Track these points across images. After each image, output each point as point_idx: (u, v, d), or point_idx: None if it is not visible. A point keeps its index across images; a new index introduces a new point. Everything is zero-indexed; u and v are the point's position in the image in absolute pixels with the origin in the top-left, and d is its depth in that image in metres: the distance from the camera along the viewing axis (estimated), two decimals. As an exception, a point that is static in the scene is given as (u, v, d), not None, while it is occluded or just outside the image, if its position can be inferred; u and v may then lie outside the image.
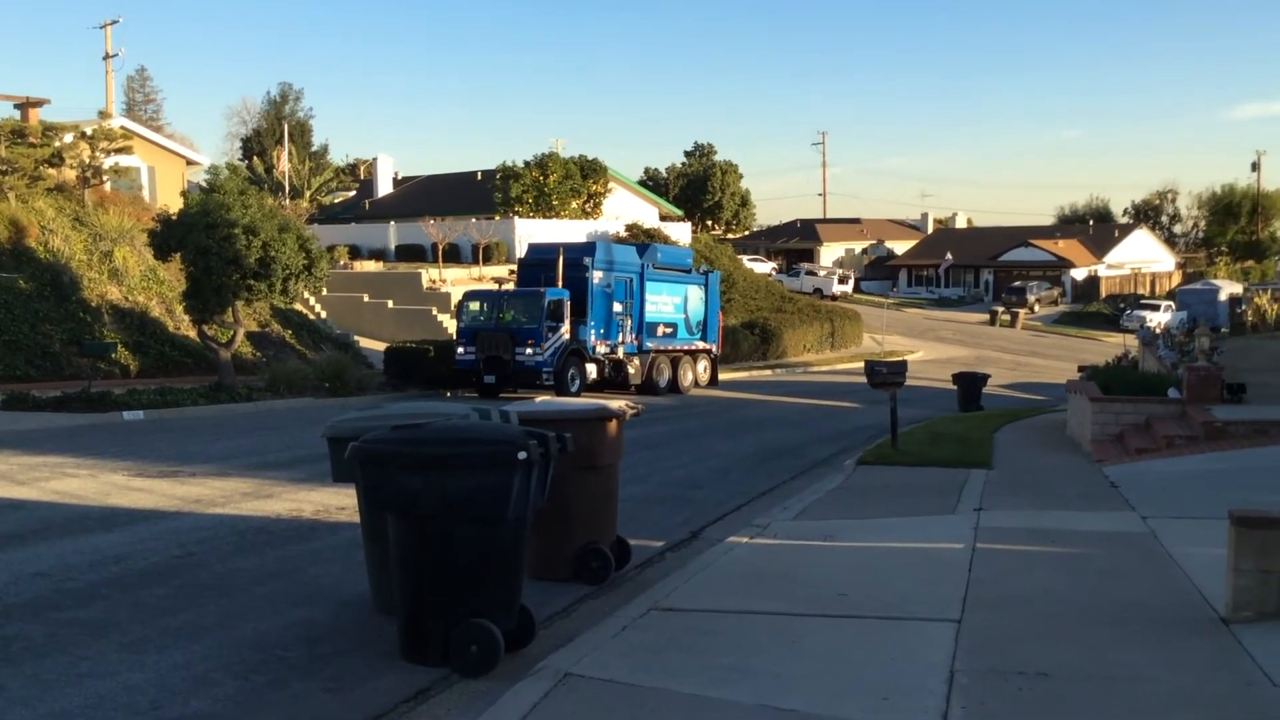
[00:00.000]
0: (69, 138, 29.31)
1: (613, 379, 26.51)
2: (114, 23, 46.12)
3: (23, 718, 4.83)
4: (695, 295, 30.26)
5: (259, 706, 5.08)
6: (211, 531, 8.99)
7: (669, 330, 29.02)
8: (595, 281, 26.49)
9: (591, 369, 26.06)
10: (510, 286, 27.75)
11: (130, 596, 6.89)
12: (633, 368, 26.99)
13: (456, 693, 5.21)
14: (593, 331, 26.22)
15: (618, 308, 27.18)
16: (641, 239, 42.27)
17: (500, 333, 25.03)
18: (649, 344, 27.87)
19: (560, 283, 25.78)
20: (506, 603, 5.60)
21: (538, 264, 27.37)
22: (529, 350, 24.66)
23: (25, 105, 32.37)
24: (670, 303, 29.23)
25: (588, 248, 27.64)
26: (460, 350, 25.64)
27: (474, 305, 26.36)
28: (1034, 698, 4.79)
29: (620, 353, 26.94)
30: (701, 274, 31.04)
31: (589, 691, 4.92)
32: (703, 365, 30.13)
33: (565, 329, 25.25)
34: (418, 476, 5.38)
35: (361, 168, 70.05)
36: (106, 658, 5.66)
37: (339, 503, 10.17)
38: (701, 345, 30.21)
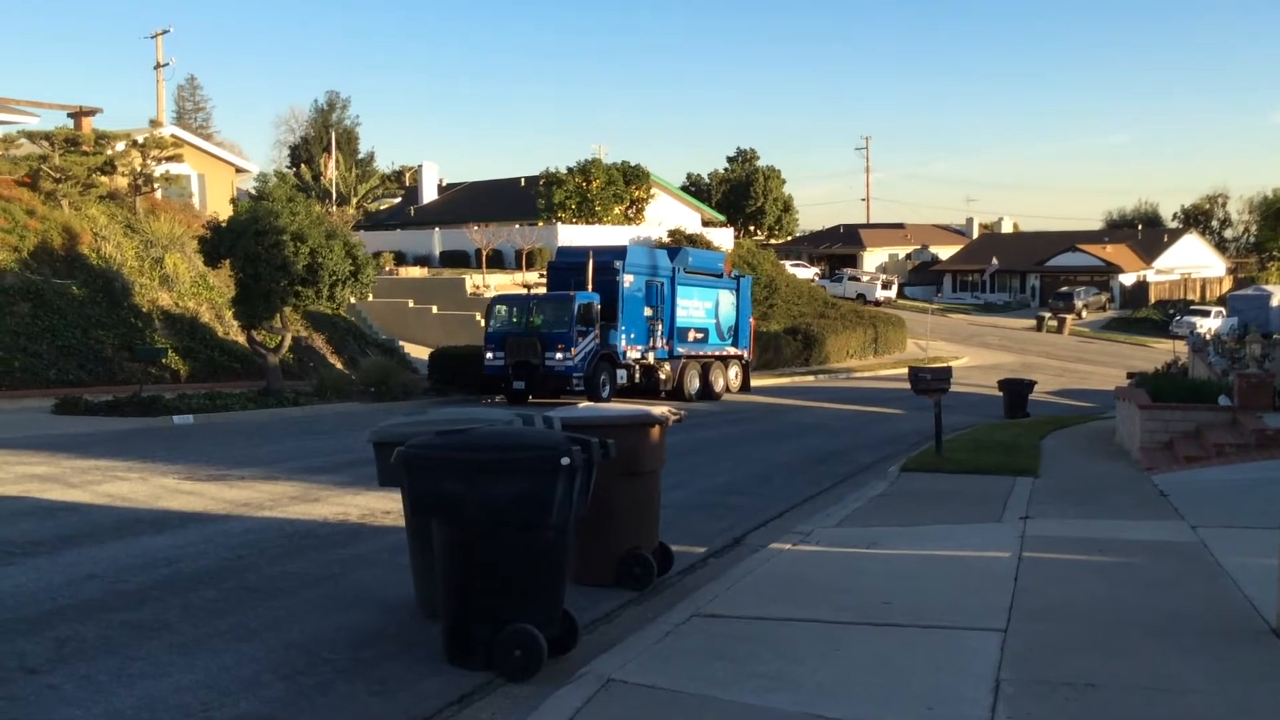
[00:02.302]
0: (121, 146, 29.84)
1: (643, 384, 26.20)
2: (164, 33, 46.97)
3: (76, 718, 4.92)
4: (727, 300, 29.94)
5: (306, 709, 5.14)
6: (260, 535, 9.11)
7: (700, 336, 28.70)
8: (626, 285, 26.09)
9: (622, 374, 25.67)
10: (540, 290, 27.50)
11: (180, 598, 7.00)
12: (663, 373, 26.66)
13: (500, 697, 5.24)
14: (623, 336, 25.82)
15: (648, 312, 26.83)
16: (683, 244, 42.26)
17: (529, 337, 24.58)
18: (680, 349, 27.54)
19: (590, 286, 25.42)
20: (550, 608, 5.63)
21: (567, 268, 26.92)
22: (559, 355, 24.24)
23: (78, 114, 33.01)
24: (701, 308, 28.93)
25: (618, 251, 27.16)
26: (489, 355, 25.24)
27: (502, 309, 25.98)
28: (1081, 709, 4.74)
29: (651, 358, 26.62)
30: (733, 278, 30.65)
31: (631, 697, 4.94)
32: (734, 371, 29.81)
33: (596, 333, 24.87)
34: (462, 481, 5.42)
35: (407, 175, 70.61)
36: (158, 659, 5.75)
37: (384, 506, 10.26)
38: (733, 351, 29.87)
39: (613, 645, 5.79)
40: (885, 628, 6.07)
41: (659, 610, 6.65)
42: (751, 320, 32.13)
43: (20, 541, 8.66)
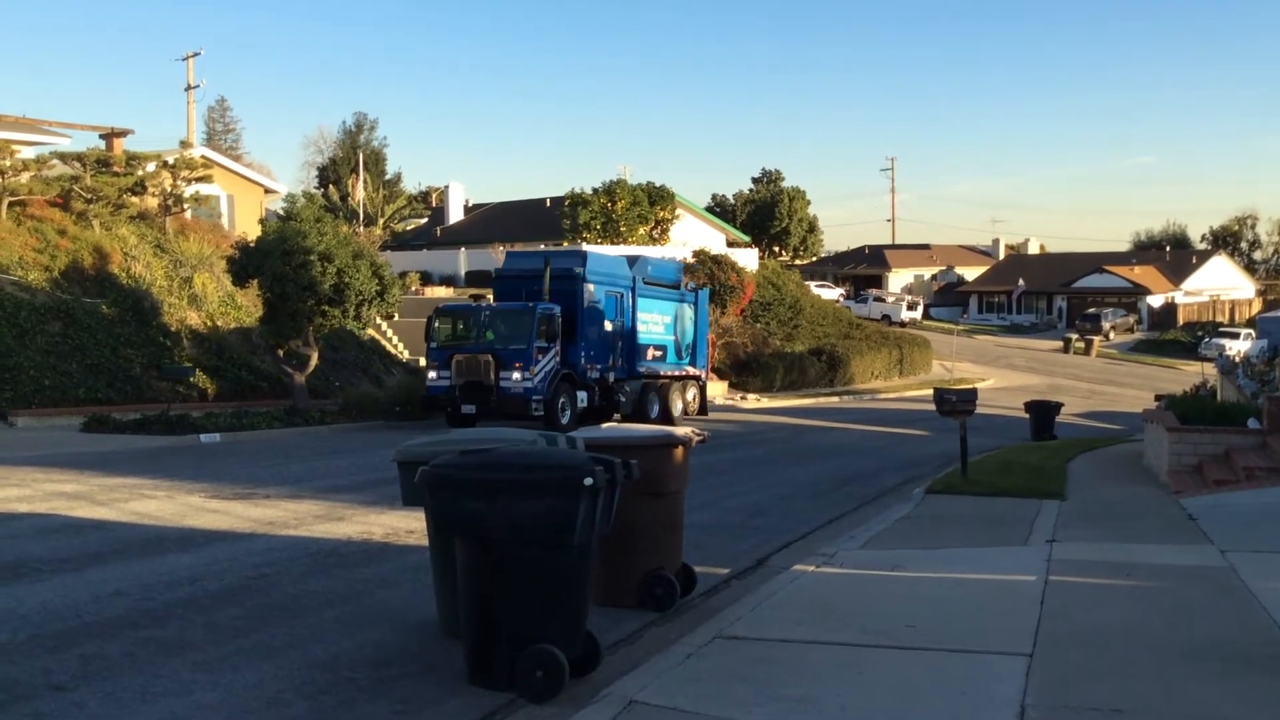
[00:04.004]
0: (151, 167, 30.23)
1: (602, 406, 23.78)
2: (195, 55, 47.57)
3: (101, 734, 4.95)
4: (685, 315, 27.40)
5: (328, 727, 5.15)
6: (284, 553, 9.15)
7: (659, 354, 26.15)
8: (587, 295, 23.34)
9: (583, 396, 23.15)
10: (491, 300, 24.73)
11: (205, 616, 7.03)
12: (623, 395, 24.18)
13: (522, 717, 5.23)
14: (583, 353, 23.19)
15: (608, 326, 24.21)
16: (709, 265, 42.28)
17: (481, 354, 21.86)
18: (640, 368, 25.03)
19: (546, 297, 22.73)
20: (572, 628, 5.62)
21: (519, 275, 24.02)
22: (516, 375, 21.52)
23: (110, 135, 33.45)
24: (661, 322, 26.33)
25: (578, 255, 24.29)
26: (432, 375, 22.57)
27: (448, 322, 23.13)
28: (1107, 735, 4.68)
29: (611, 378, 24.12)
30: (691, 291, 28.23)
31: (654, 719, 4.91)
32: (692, 393, 27.34)
33: (557, 350, 22.27)
34: (485, 501, 5.43)
35: (433, 195, 71.12)
36: (181, 677, 5.78)
37: (408, 526, 10.29)
38: (691, 370, 27.50)
39: (635, 667, 5.77)
40: (909, 651, 6.02)
41: (682, 632, 6.62)
42: (710, 337, 29.73)
43: (48, 559, 8.73)
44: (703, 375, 28.10)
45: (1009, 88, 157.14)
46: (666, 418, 25.03)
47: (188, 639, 6.50)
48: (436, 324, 23.08)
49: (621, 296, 24.74)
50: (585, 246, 43.19)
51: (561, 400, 22.30)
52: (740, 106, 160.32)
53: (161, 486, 13.23)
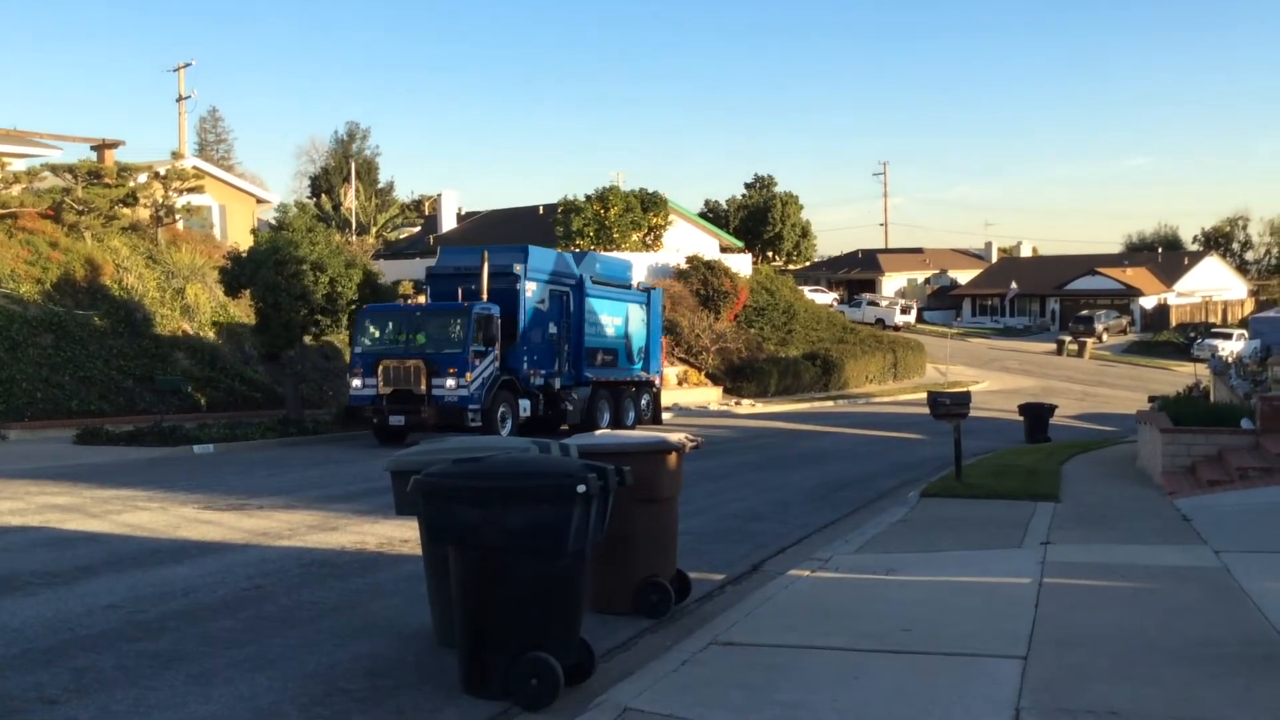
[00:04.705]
0: (143, 178, 30.21)
1: (546, 416, 22.13)
2: (186, 66, 47.52)
3: (94, 747, 4.92)
4: (637, 316, 25.74)
5: (322, 738, 5.13)
6: (278, 564, 9.13)
7: (609, 358, 24.59)
8: (529, 295, 21.74)
9: (525, 404, 21.57)
10: (422, 301, 23.26)
11: (198, 628, 7.01)
12: (570, 403, 22.62)
13: (516, 726, 5.22)
14: (525, 358, 21.67)
15: (552, 328, 22.73)
16: (702, 270, 42.29)
17: (412, 360, 20.29)
18: (588, 374, 23.46)
19: (484, 296, 21.23)
20: (566, 636, 5.61)
21: (454, 274, 22.26)
22: (450, 382, 20.02)
23: (101, 147, 33.45)
24: (611, 324, 24.66)
25: (518, 251, 22.51)
26: (356, 383, 20.87)
27: (374, 325, 21.33)
28: (1103, 737, 4.67)
29: (556, 384, 22.57)
30: (643, 291, 26.72)
31: (648, 727, 4.90)
32: (645, 400, 25.73)
33: (495, 354, 20.82)
34: (478, 510, 5.43)
35: (426, 204, 71.07)
36: (174, 689, 5.76)
37: (402, 535, 10.27)
38: (644, 376, 25.94)
39: (630, 674, 5.76)
40: (905, 655, 6.01)
41: (677, 638, 6.62)
42: (664, 341, 28.30)
43: (40, 572, 8.69)
44: (656, 381, 26.82)
45: (1001, 92, 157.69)
46: (618, 427, 23.56)
47: (181, 651, 6.47)
48: (363, 326, 21.49)
49: (567, 296, 23.30)
50: (573, 253, 43.32)
51: (501, 410, 20.79)
52: (733, 112, 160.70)
53: (155, 498, 13.20)
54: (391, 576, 8.70)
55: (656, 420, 26.13)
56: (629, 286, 26.01)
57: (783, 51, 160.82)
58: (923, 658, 5.96)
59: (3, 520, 11.50)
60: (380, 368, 20.46)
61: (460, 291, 21.34)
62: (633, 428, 23.72)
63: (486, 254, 21.63)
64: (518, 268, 21.65)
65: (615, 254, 43.50)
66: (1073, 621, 6.69)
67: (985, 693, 5.29)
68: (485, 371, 20.50)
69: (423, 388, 20.12)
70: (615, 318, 24.89)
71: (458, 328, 20.44)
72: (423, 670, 6.16)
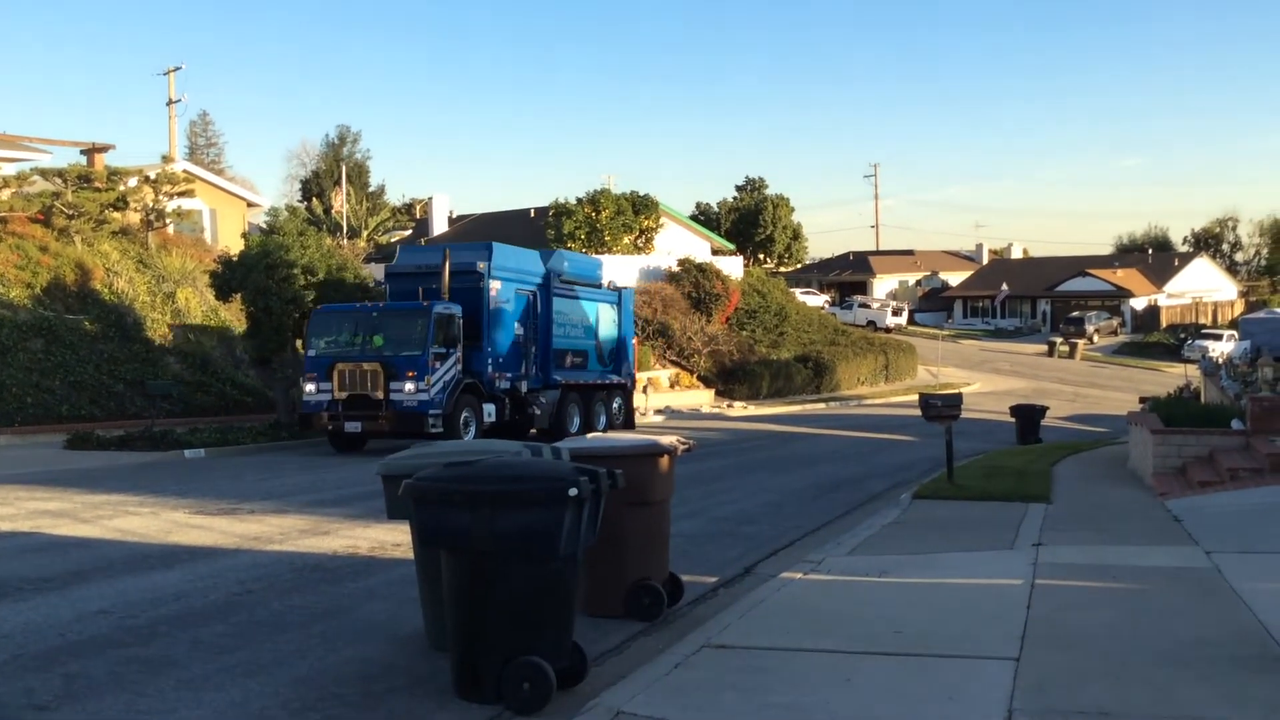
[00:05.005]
0: (133, 182, 30.14)
1: (513, 421, 21.30)
2: (176, 69, 47.31)
3: (85, 754, 4.90)
4: (607, 316, 24.95)
5: (314, 744, 5.11)
6: (269, 569, 9.10)
7: (579, 360, 23.79)
8: (493, 294, 20.92)
9: (490, 409, 20.74)
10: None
11: (190, 633, 6.99)
12: (538, 408, 21.75)
13: (509, 730, 5.21)
14: (490, 360, 20.82)
15: (519, 329, 21.87)
16: (694, 273, 42.30)
17: (368, 363, 19.40)
18: (556, 377, 22.62)
19: (446, 295, 20.36)
20: (559, 640, 5.61)
21: (416, 273, 21.40)
22: (409, 386, 19.08)
23: (91, 151, 33.36)
24: (580, 325, 23.89)
25: (482, 248, 21.62)
26: (309, 389, 19.80)
27: (329, 327, 20.32)
28: (1095, 738, 4.68)
29: (523, 388, 21.76)
30: (614, 290, 25.74)
31: (641, 730, 4.89)
32: (616, 404, 24.78)
33: (457, 356, 19.94)
34: (469, 513, 5.42)
35: (418, 207, 70.96)
36: (165, 695, 5.74)
37: (394, 539, 10.25)
38: (615, 379, 25.04)
39: (622, 677, 5.76)
40: (897, 657, 6.02)
41: (669, 641, 6.61)
42: (634, 342, 27.42)
43: (31, 577, 8.66)
44: (628, 384, 25.93)
45: (993, 93, 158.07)
46: (589, 431, 22.28)
47: (172, 657, 6.45)
48: (317, 328, 20.43)
49: (535, 296, 22.42)
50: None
51: (465, 415, 19.90)
52: (723, 115, 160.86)
53: (146, 503, 13.16)
54: (383, 581, 8.68)
55: (629, 424, 25.12)
56: (600, 286, 25.28)
57: (773, 52, 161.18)
58: (915, 659, 5.97)
59: (-8, 526, 11.46)
60: (335, 372, 19.54)
61: (421, 291, 20.52)
62: (604, 432, 22.75)
63: (448, 251, 20.92)
64: (481, 265, 20.79)
65: (601, 255, 43.57)
66: (1065, 622, 6.70)
67: (978, 694, 5.29)
68: (447, 374, 19.64)
69: (380, 392, 19.28)
70: (585, 318, 24.17)
71: (417, 329, 19.49)
72: (415, 674, 6.14)
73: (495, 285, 21.01)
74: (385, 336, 19.76)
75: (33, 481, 15.32)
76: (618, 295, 25.64)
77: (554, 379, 22.53)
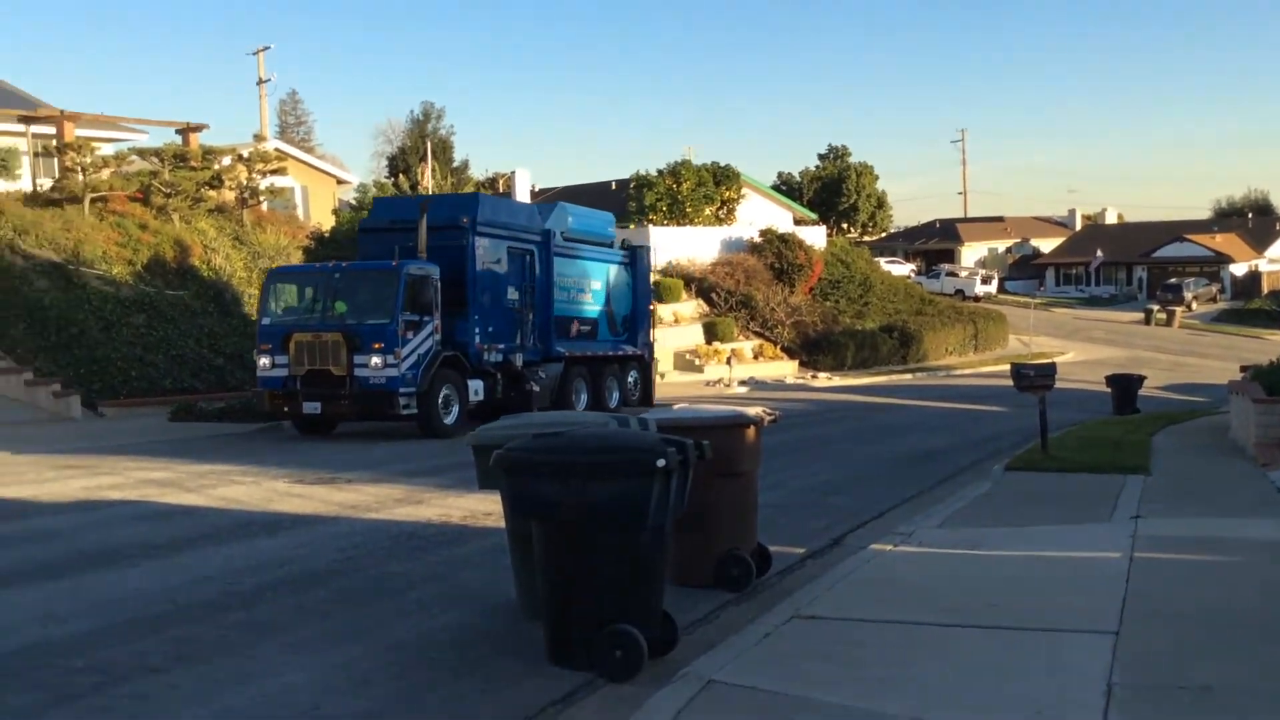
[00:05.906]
0: (227, 160, 30.89)
1: (506, 399, 18.47)
2: (265, 49, 48.32)
3: (195, 715, 5.10)
4: (620, 279, 22.38)
5: (416, 706, 5.25)
6: (367, 536, 9.33)
7: (586, 329, 21.39)
8: (480, 253, 18.26)
9: (477, 386, 18.14)
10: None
11: (293, 599, 7.20)
12: (536, 383, 19.24)
13: (602, 696, 5.29)
14: (477, 330, 18.24)
15: (513, 295, 19.29)
16: (776, 244, 41.96)
17: (328, 333, 16.87)
18: (559, 348, 20.16)
19: (423, 254, 17.53)
20: (649, 608, 5.66)
21: (392, 228, 18.45)
22: (375, 360, 16.54)
23: (186, 131, 34.20)
24: (588, 289, 21.40)
25: (468, 200, 19.56)
26: (264, 362, 17.28)
27: (285, 291, 18.03)
28: (1197, 712, 4.60)
29: (518, 361, 19.10)
30: (627, 250, 23.11)
31: (732, 699, 4.94)
32: (632, 378, 22.33)
33: (435, 325, 17.33)
34: (559, 484, 5.48)
35: (500, 181, 71.45)
36: (271, 659, 5.93)
37: (485, 508, 10.42)
38: (629, 350, 22.52)
39: (712, 646, 5.79)
40: (991, 630, 5.96)
41: (758, 611, 6.63)
42: (652, 307, 24.43)
43: (140, 544, 9.00)
44: (645, 355, 23.11)
45: (1080, 55, 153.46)
46: (598, 409, 19.74)
47: (277, 621, 6.66)
48: (270, 291, 18.01)
49: (531, 256, 19.76)
50: (651, 228, 43.25)
51: (444, 393, 17.36)
52: (806, 82, 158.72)
53: (248, 473, 13.55)
54: (476, 549, 8.84)
55: (647, 401, 22.41)
56: (610, 245, 22.56)
57: (855, 19, 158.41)
58: (1011, 633, 5.90)
59: (103, 494, 11.93)
60: (292, 343, 16.97)
61: (397, 251, 17.46)
62: (617, 409, 20.14)
63: (425, 204, 18.15)
64: (465, 220, 18.04)
65: (683, 226, 43.46)
66: (1165, 596, 6.57)
67: (1077, 668, 5.22)
68: (421, 346, 17.02)
69: (342, 368, 16.73)
70: (594, 281, 21.57)
71: (385, 293, 16.80)
72: (509, 641, 6.26)
73: (483, 243, 18.40)
74: (349, 302, 17.18)
75: (139, 452, 15.86)
76: (631, 255, 23.08)
77: (556, 350, 20.13)
